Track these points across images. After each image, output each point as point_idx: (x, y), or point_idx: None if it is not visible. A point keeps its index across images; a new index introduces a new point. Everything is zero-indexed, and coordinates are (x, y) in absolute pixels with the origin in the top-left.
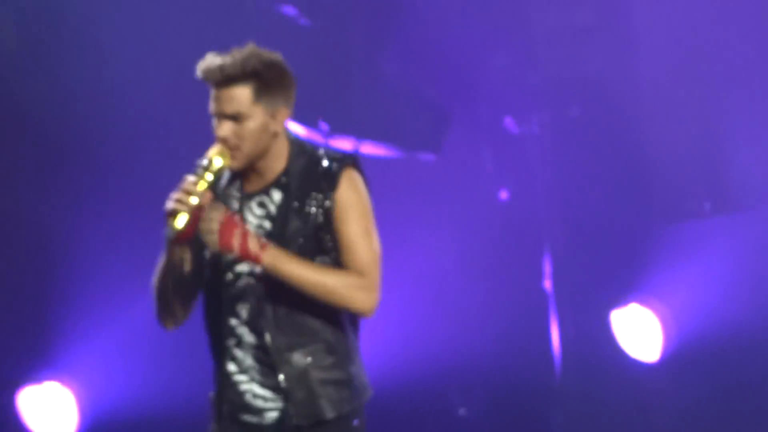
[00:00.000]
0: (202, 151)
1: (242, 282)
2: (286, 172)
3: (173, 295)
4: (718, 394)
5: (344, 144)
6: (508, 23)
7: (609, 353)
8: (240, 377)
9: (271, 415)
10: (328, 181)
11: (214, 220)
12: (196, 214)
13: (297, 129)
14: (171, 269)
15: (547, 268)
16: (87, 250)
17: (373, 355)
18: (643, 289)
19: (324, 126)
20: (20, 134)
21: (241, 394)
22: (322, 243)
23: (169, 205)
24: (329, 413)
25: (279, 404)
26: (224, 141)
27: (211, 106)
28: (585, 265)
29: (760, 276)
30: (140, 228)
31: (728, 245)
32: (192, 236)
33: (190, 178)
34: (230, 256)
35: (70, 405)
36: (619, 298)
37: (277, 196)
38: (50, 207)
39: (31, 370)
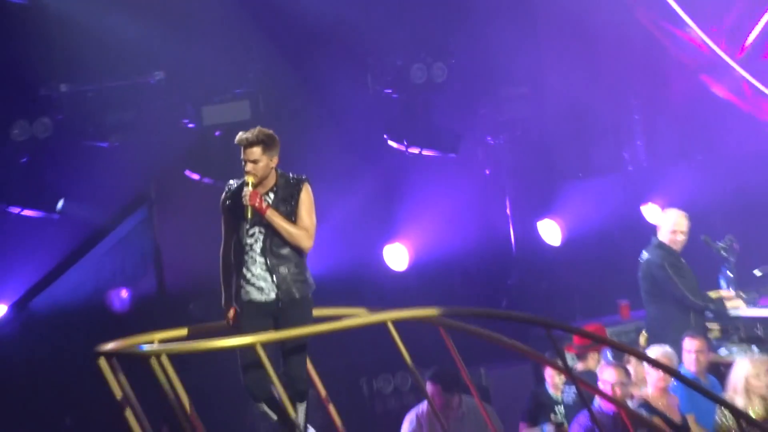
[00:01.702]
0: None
1: (256, 236)
2: (276, 185)
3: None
4: (583, 259)
5: (414, 150)
6: (488, 92)
7: (537, 241)
8: (252, 278)
9: (270, 296)
10: (296, 189)
11: (247, 194)
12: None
13: (392, 144)
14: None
15: (507, 203)
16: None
17: (436, 240)
18: (551, 211)
19: (405, 141)
20: None
21: (253, 284)
22: (291, 218)
23: (245, 202)
24: (297, 295)
25: (273, 291)
26: (249, 172)
27: (243, 156)
28: (525, 201)
29: (604, 207)
30: None
31: (591, 194)
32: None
33: (247, 188)
34: (251, 223)
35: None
36: (541, 215)
37: (271, 195)
38: None
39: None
